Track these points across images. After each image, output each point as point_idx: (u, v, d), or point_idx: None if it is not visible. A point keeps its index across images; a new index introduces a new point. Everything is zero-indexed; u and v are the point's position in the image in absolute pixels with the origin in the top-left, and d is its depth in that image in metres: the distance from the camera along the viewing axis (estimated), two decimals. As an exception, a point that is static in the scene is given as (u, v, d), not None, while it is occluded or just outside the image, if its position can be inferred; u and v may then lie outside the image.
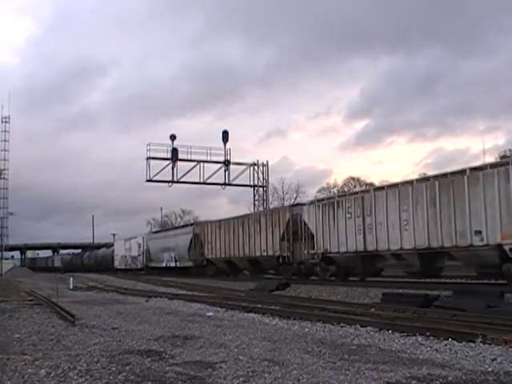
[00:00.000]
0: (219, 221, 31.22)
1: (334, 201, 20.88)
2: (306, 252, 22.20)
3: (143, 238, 44.76)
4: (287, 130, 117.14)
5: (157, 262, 40.65)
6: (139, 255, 45.01)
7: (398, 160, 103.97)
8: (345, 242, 19.62)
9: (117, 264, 51.94)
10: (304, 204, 24.12)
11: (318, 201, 22.48)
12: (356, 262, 19.53)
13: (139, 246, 45.09)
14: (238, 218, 29.37)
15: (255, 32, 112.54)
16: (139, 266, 44.81)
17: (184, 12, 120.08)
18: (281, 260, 24.04)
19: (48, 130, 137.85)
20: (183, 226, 39.29)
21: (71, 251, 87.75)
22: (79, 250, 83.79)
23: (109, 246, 62.75)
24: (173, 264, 37.10)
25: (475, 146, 76.83)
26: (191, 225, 37.30)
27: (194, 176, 36.58)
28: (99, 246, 72.09)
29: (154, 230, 78.90)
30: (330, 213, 20.57)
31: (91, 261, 65.07)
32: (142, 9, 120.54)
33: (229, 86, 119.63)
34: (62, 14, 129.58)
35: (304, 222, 22.29)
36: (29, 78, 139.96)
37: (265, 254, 25.28)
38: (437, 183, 16.03)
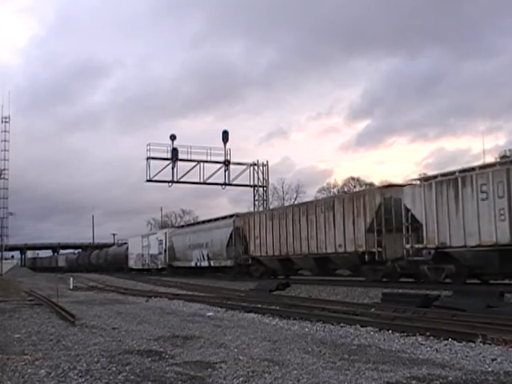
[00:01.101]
0: (271, 210, 27.48)
1: (458, 177, 15.76)
2: (408, 246, 17.19)
3: (165, 234, 39.29)
4: (288, 130, 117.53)
5: (183, 260, 35.65)
6: (160, 253, 39.70)
7: (399, 160, 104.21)
8: (476, 233, 14.80)
9: (132, 263, 47.04)
10: (403, 185, 19.16)
11: (427, 179, 17.45)
12: (491, 259, 14.74)
13: (160, 242, 39.74)
14: (299, 205, 24.91)
15: (257, 33, 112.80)
16: (160, 266, 39.70)
17: (186, 13, 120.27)
18: (367, 257, 18.90)
19: (50, 130, 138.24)
20: (220, 219, 32.14)
21: (76, 250, 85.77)
22: (79, 250, 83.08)
23: (120, 244, 58.07)
24: (205, 263, 32.14)
25: (476, 146, 77.09)
26: (231, 216, 30.53)
27: (194, 176, 36.54)
28: (100, 246, 70.69)
29: (154, 230, 78.82)
30: (450, 193, 15.67)
31: (100, 260, 60.34)
32: (144, 10, 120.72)
33: (230, 87, 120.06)
34: (65, 15, 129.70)
35: (405, 208, 17.32)
36: (32, 78, 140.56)
37: (341, 250, 20.00)
38: None
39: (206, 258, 31.92)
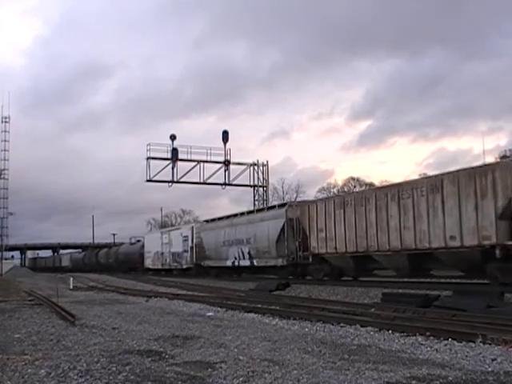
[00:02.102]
0: (342, 196, 22.24)
1: None
2: None
3: (192, 229, 34.33)
4: (290, 130, 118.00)
5: (216, 259, 30.52)
6: (185, 251, 34.84)
7: (400, 160, 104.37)
8: None
9: (148, 263, 42.32)
10: None
11: None
12: None
13: (185, 239, 34.81)
14: (385, 188, 19.40)
15: (260, 34, 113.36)
16: (185, 266, 34.88)
17: (189, 14, 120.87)
18: (498, 253, 13.98)
19: (52, 130, 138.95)
20: (266, 209, 27.50)
21: (76, 250, 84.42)
22: (79, 250, 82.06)
23: (134, 241, 52.93)
24: (245, 262, 27.05)
25: (478, 146, 77.43)
26: (281, 206, 25.73)
27: (194, 176, 36.60)
28: (100, 246, 69.46)
29: (155, 230, 78.50)
30: None
31: (110, 259, 55.85)
32: (148, 11, 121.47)
33: (233, 88, 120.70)
34: (69, 16, 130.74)
35: None
36: (35, 78, 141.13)
37: (454, 243, 15.12)
38: None
39: (247, 256, 26.75)
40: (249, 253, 26.63)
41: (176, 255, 36.56)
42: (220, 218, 32.41)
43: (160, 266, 39.62)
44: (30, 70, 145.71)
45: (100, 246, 69.55)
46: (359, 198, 19.39)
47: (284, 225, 23.40)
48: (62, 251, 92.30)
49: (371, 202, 18.44)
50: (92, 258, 63.20)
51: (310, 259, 21.62)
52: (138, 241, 51.07)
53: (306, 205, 22.73)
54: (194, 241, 33.49)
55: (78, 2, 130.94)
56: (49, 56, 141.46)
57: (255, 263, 26.12)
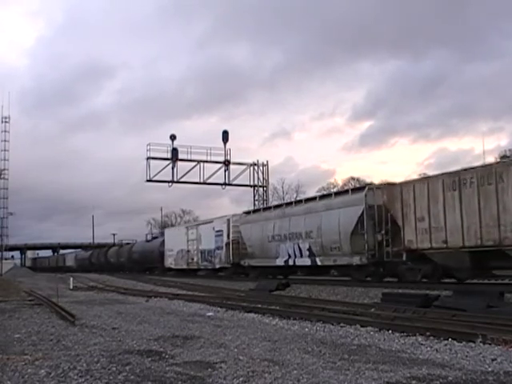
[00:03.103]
0: (456, 173, 15.71)
1: None
2: None
3: (228, 222, 29.13)
4: (292, 130, 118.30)
5: (261, 258, 25.50)
6: (219, 248, 29.93)
7: (401, 160, 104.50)
8: None
9: (170, 262, 37.45)
10: None
11: None
12: None
13: (219, 234, 29.93)
14: None
15: (262, 35, 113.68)
16: (219, 265, 30.15)
17: (192, 15, 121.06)
18: None
19: (54, 130, 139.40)
20: (333, 194, 22.13)
21: (77, 250, 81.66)
22: (78, 249, 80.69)
23: (151, 238, 48.93)
24: (305, 261, 22.13)
25: (479, 146, 77.75)
26: (359, 189, 20.47)
27: (194, 176, 36.62)
28: (100, 246, 67.72)
29: (155, 231, 78.20)
30: None
31: (122, 258, 51.08)
32: (150, 12, 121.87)
33: (235, 88, 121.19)
34: (72, 16, 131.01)
35: None
36: (38, 78, 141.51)
37: None
38: None
39: (305, 253, 21.93)
40: (309, 249, 21.65)
41: (206, 253, 31.67)
42: (266, 209, 27.98)
43: (185, 266, 34.69)
44: (32, 71, 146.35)
45: (100, 246, 67.90)
46: (486, 174, 14.75)
47: (363, 213, 18.62)
48: (61, 251, 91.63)
49: (507, 178, 14.06)
50: (100, 257, 58.41)
51: (404, 257, 17.11)
52: (155, 237, 47.00)
53: (396, 187, 17.94)
54: (231, 236, 28.45)
55: (80, 3, 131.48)
56: (51, 56, 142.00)
57: (318, 262, 21.16)
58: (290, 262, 23.20)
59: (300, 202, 24.54)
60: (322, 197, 23.13)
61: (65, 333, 9.52)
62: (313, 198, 23.62)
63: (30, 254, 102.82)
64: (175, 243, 36.76)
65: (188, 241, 34.35)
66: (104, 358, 6.92)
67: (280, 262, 23.87)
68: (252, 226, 26.76)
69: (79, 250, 77.63)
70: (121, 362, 6.58)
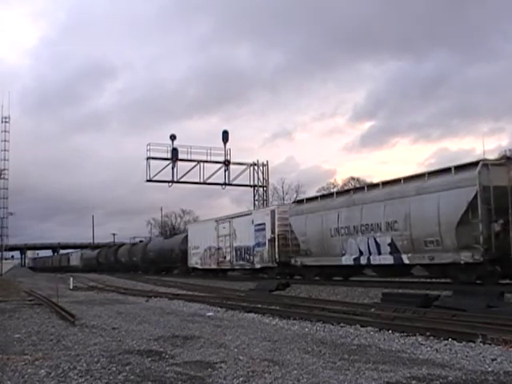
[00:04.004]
0: None
1: None
2: None
3: (272, 214, 24.56)
4: (293, 130, 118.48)
5: (320, 255, 21.04)
6: (259, 245, 25.19)
7: (402, 160, 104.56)
8: None
9: (195, 261, 32.83)
10: None
11: None
12: None
13: (260, 228, 25.26)
14: None
15: (263, 36, 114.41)
16: (259, 265, 25.34)
17: (194, 16, 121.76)
18: None
19: (55, 130, 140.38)
20: (426, 175, 17.06)
21: (75, 249, 79.64)
22: (77, 248, 79.12)
23: (170, 234, 44.58)
24: (385, 258, 17.91)
25: (480, 147, 77.80)
26: (471, 166, 15.40)
27: (194, 176, 36.60)
28: (100, 246, 66.31)
29: (155, 230, 77.97)
30: None
31: (135, 258, 46.29)
32: (153, 13, 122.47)
33: (236, 89, 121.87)
34: (75, 17, 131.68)
35: None
36: (40, 79, 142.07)
37: None
38: None
39: (386, 249, 17.82)
40: (391, 244, 17.62)
41: (243, 251, 26.95)
42: (325, 196, 22.99)
43: (214, 266, 30.35)
44: (34, 71, 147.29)
45: (100, 246, 66.72)
46: None
47: (475, 197, 14.69)
48: (62, 251, 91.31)
49: None
50: (110, 256, 53.82)
51: None
52: (175, 234, 42.59)
53: None
54: (277, 230, 24.08)
55: (83, 4, 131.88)
56: (54, 57, 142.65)
57: (406, 260, 17.12)
58: (363, 261, 18.94)
59: (375, 186, 19.97)
60: (409, 178, 17.97)
61: (65, 333, 9.52)
62: (395, 181, 18.49)
63: (30, 253, 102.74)
64: (202, 240, 31.99)
65: (218, 237, 29.76)
66: (104, 358, 6.92)
67: (347, 260, 19.58)
68: (307, 218, 21.84)
69: (86, 248, 72.31)
70: (121, 362, 6.58)
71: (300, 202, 24.44)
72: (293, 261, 22.67)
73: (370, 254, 18.56)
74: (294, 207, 23.97)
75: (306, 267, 22.15)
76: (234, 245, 28.00)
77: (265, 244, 24.91)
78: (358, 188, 22.32)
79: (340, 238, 19.94)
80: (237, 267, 28.46)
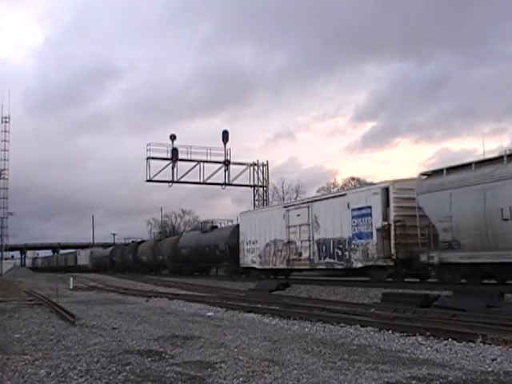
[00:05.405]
0: None
1: None
2: None
3: (385, 193, 18.16)
4: (296, 131, 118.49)
5: (477, 249, 14.56)
6: (361, 236, 18.98)
7: (404, 161, 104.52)
8: None
9: (252, 260, 26.23)
10: None
11: None
12: None
13: (363, 213, 18.90)
14: None
15: (267, 37, 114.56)
16: (361, 263, 18.96)
17: (197, 17, 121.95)
18: None
19: (58, 131, 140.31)
20: None
21: (74, 248, 77.04)
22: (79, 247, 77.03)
23: (209, 227, 34.90)
24: None
25: (481, 147, 78.00)
26: None
27: (194, 176, 36.58)
28: (100, 245, 65.11)
29: (155, 230, 77.67)
30: None
31: (161, 256, 39.42)
32: (157, 14, 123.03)
33: (239, 90, 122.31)
34: (80, 18, 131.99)
35: None
36: (44, 79, 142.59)
37: None
38: None
39: None
40: None
41: (332, 245, 20.56)
42: (484, 162, 15.07)
43: (282, 265, 23.86)
44: (38, 71, 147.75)
45: (101, 245, 66.14)
46: None
47: None
48: (62, 251, 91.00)
49: None
50: (127, 254, 46.97)
51: None
52: (215, 226, 34.58)
53: None
54: (392, 215, 17.81)
55: (88, 5, 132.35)
56: (58, 57, 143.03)
57: None
58: None
59: None
60: None
61: (65, 333, 9.52)
62: None
63: (30, 253, 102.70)
64: (261, 232, 25.51)
65: (289, 227, 23.26)
66: (104, 358, 6.92)
67: None
68: (453, 195, 15.25)
69: (98, 247, 65.58)
70: (121, 362, 6.58)
71: (437, 172, 16.54)
72: (423, 257, 16.13)
73: None
74: (424, 181, 16.72)
75: (448, 266, 15.57)
76: (316, 237, 21.46)
77: (370, 235, 18.57)
78: None
79: None
80: (320, 266, 21.78)
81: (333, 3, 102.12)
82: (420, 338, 8.25)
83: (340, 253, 20.09)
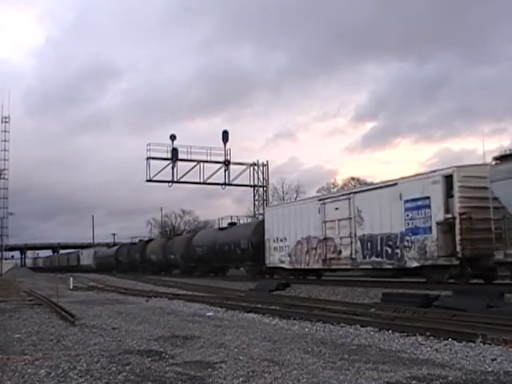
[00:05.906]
0: None
1: None
2: None
3: (446, 181, 15.70)
4: (296, 131, 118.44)
5: None
6: (416, 232, 16.59)
7: (404, 161, 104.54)
8: None
9: (279, 259, 23.68)
10: None
11: None
12: None
13: (419, 205, 16.53)
14: None
15: (267, 37, 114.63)
16: (418, 262, 16.49)
17: (197, 17, 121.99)
18: None
19: (58, 131, 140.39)
20: None
21: (75, 248, 76.28)
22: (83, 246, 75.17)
23: (224, 226, 31.61)
24: None
25: (481, 147, 78.12)
26: None
27: (194, 176, 36.57)
28: (103, 246, 64.05)
29: (155, 230, 77.59)
30: None
31: (172, 255, 36.57)
32: (157, 14, 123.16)
33: (239, 90, 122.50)
34: (81, 18, 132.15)
35: None
36: (44, 79, 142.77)
37: None
38: None
39: None
40: None
41: (379, 242, 18.20)
42: None
43: (317, 265, 21.61)
44: (39, 71, 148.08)
45: (103, 246, 65.72)
46: None
47: None
48: (62, 251, 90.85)
49: None
50: (134, 253, 44.45)
51: None
52: (234, 223, 31.19)
53: None
54: (457, 206, 15.35)
55: (88, 6, 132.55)
56: (58, 57, 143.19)
57: None
58: None
59: None
60: None
61: (65, 333, 9.52)
62: None
63: (29, 253, 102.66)
64: (291, 228, 23.16)
65: (325, 222, 20.89)
66: (104, 357, 6.92)
67: None
68: None
69: (102, 247, 63.74)
70: (121, 362, 6.58)
71: None
72: (499, 255, 13.58)
73: None
74: (499, 166, 13.84)
75: None
76: (359, 233, 19.11)
77: (429, 229, 16.17)
78: None
79: None
80: (365, 266, 19.13)
81: (333, 3, 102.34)
82: (420, 338, 8.25)
83: (390, 250, 17.65)
